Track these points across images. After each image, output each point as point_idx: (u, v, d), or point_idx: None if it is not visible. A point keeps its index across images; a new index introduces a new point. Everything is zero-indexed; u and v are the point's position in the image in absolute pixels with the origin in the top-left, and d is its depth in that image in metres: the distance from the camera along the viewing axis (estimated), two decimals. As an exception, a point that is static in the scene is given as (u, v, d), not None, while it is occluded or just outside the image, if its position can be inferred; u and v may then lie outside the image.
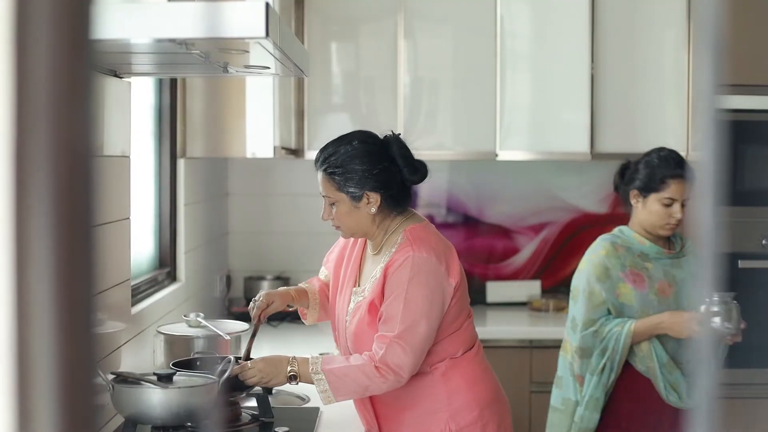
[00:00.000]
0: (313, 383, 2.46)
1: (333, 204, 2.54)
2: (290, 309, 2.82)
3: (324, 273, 2.86)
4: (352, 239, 2.71)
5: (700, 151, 0.60)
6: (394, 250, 2.52)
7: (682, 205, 3.11)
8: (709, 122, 0.61)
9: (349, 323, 2.59)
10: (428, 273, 2.47)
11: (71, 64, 0.57)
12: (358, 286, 2.63)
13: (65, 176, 0.54)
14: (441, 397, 2.53)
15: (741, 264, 3.93)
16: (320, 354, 3.51)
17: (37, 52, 0.56)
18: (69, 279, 0.53)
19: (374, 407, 2.62)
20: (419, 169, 2.57)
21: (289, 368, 2.47)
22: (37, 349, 0.51)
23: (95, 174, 0.56)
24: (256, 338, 2.69)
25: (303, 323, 2.91)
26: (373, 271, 2.57)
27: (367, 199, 2.52)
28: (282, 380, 2.49)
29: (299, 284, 2.90)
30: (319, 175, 2.56)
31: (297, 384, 2.52)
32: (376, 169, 2.51)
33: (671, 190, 3.12)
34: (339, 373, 2.44)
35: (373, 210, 2.53)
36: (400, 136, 2.60)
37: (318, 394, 2.48)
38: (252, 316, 2.69)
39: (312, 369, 2.45)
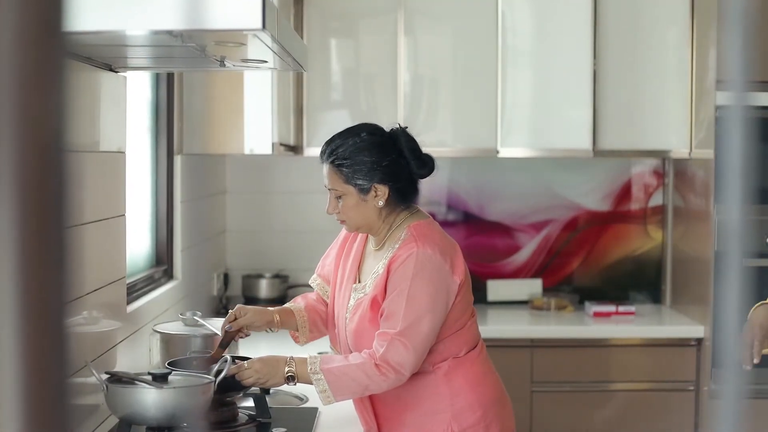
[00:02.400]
0: (311, 383, 2.42)
1: (339, 197, 2.50)
2: (271, 331, 2.75)
3: (316, 282, 2.81)
4: (351, 236, 2.67)
5: (727, 148, 0.56)
6: (397, 246, 2.48)
7: None
8: (735, 119, 0.56)
9: (349, 320, 2.55)
10: (432, 270, 2.43)
11: (41, 51, 0.53)
12: (359, 282, 2.59)
13: (33, 173, 0.50)
14: (443, 397, 2.49)
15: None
16: (318, 353, 3.48)
17: (1, 38, 0.51)
18: (37, 283, 0.49)
19: (374, 407, 2.57)
20: (427, 163, 2.54)
21: (286, 369, 2.43)
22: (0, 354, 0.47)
23: (68, 170, 0.52)
24: (227, 349, 2.63)
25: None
26: (375, 267, 2.53)
27: (375, 191, 2.48)
28: (279, 381, 2.45)
29: (285, 305, 2.83)
30: (326, 167, 2.51)
31: (295, 385, 2.48)
32: (385, 161, 2.48)
33: None
34: (338, 372, 2.40)
35: (381, 203, 2.49)
36: (407, 129, 2.56)
37: (317, 395, 2.43)
38: (221, 326, 2.65)
39: (310, 369, 2.41)
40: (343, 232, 2.71)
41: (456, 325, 2.51)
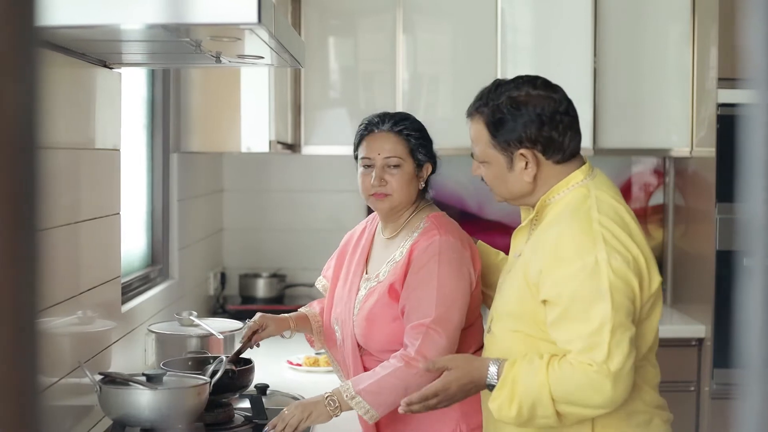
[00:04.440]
0: (351, 409, 2.37)
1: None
2: (286, 338, 2.73)
3: (321, 283, 2.79)
4: (352, 241, 2.67)
5: (746, 141, 0.53)
6: (416, 233, 2.48)
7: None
8: (759, 110, 0.53)
9: (359, 310, 2.52)
10: (457, 258, 2.42)
11: (12, 43, 0.49)
12: (367, 273, 2.57)
13: (3, 170, 0.47)
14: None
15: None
16: (317, 353, 3.45)
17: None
18: (7, 284, 0.45)
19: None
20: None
21: (324, 394, 2.38)
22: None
23: (41, 167, 0.48)
24: (242, 354, 2.64)
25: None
26: (389, 255, 2.52)
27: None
28: (322, 409, 2.35)
29: (300, 309, 2.81)
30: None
31: (336, 411, 2.37)
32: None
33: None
34: (374, 389, 2.35)
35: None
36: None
37: (362, 417, 2.39)
38: (242, 336, 2.63)
39: (346, 395, 2.36)
40: (344, 240, 2.70)
41: (467, 321, 2.49)
